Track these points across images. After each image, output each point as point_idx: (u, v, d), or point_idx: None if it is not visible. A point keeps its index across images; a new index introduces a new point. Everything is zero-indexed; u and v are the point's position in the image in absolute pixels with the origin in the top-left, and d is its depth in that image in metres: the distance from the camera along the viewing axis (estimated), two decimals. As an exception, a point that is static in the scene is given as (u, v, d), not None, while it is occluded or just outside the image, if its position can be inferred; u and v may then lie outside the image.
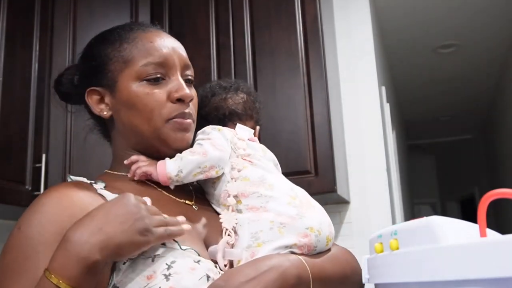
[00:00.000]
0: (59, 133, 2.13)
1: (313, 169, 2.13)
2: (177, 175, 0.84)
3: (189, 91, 0.87)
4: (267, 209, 0.82)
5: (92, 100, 0.88)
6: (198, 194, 0.93)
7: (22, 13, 2.06)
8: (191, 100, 0.88)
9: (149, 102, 0.84)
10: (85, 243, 0.65)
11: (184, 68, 0.90)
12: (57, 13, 2.24)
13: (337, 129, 2.35)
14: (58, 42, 2.21)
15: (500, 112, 5.34)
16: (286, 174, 2.17)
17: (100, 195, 0.80)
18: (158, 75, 0.85)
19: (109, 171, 0.92)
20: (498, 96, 5.28)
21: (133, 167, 0.86)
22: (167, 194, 0.87)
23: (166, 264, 0.72)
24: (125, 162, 0.87)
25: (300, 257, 0.80)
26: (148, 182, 0.87)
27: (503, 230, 0.58)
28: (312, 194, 2.16)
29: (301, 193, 0.91)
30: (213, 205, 0.90)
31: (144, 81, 0.84)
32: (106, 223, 0.67)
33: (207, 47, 2.37)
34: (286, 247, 0.80)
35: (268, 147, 2.28)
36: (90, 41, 0.95)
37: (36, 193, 2.00)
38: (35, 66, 2.10)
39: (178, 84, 0.86)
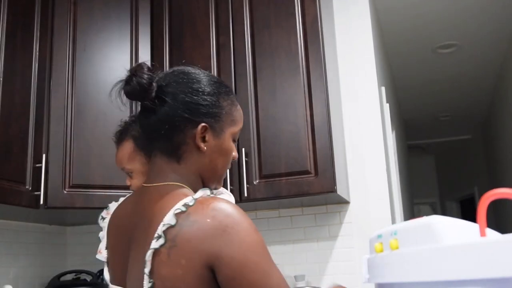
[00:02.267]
0: (59, 133, 2.13)
1: (313, 169, 2.13)
2: None
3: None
4: None
5: (200, 132, 1.05)
6: None
7: (22, 13, 2.06)
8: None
9: (230, 156, 1.11)
10: None
11: None
12: (57, 13, 2.24)
13: (337, 129, 2.35)
14: (58, 42, 2.21)
15: (500, 112, 5.34)
16: (286, 174, 2.19)
17: None
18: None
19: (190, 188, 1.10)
20: (498, 96, 5.28)
21: None
22: None
23: None
24: None
25: None
26: None
27: (503, 230, 0.58)
28: (312, 194, 2.18)
29: None
30: None
31: (234, 141, 1.12)
32: None
33: (207, 47, 2.38)
34: None
35: (268, 147, 2.30)
36: (218, 81, 1.13)
37: (36, 193, 2.00)
38: (35, 66, 2.10)
39: (235, 149, 1.13)
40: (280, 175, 2.17)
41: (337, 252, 2.45)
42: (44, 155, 2.06)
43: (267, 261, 0.88)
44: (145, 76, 1.01)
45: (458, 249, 0.50)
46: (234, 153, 1.13)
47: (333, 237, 2.47)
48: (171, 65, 2.40)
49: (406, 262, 0.59)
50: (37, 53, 2.12)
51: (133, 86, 1.00)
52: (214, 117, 1.06)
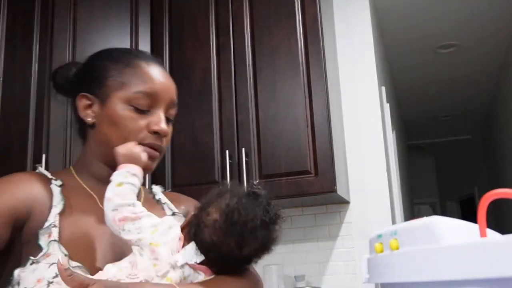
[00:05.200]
0: (59, 133, 2.13)
1: (313, 169, 2.13)
2: None
3: (167, 128, 0.97)
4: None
5: (81, 103, 0.98)
6: None
7: (22, 13, 2.07)
8: (166, 136, 0.97)
9: (130, 125, 0.93)
10: None
11: (169, 106, 0.99)
12: (57, 13, 2.24)
13: (337, 129, 2.35)
14: (58, 42, 2.21)
15: (500, 112, 5.34)
16: (286, 174, 2.19)
17: (50, 190, 0.93)
18: (145, 107, 0.95)
19: (73, 171, 1.01)
20: (498, 96, 5.28)
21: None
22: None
23: (55, 272, 0.78)
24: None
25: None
26: (93, 195, 0.97)
27: (503, 230, 0.58)
28: (312, 194, 2.18)
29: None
30: None
31: (132, 107, 0.94)
32: None
33: (207, 47, 2.37)
34: None
35: (268, 147, 2.30)
36: (95, 53, 1.06)
37: (36, 193, 2.00)
38: (35, 66, 2.11)
39: (159, 119, 0.95)
40: (280, 175, 2.17)
41: (337, 252, 2.45)
42: (44, 155, 2.06)
43: None
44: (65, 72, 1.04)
45: (458, 249, 0.50)
46: (140, 119, 0.93)
47: (333, 237, 2.47)
48: (171, 65, 2.40)
49: (406, 262, 0.59)
50: (37, 53, 2.12)
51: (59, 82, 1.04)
52: (94, 84, 0.97)
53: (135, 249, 0.85)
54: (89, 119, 0.97)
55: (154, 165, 0.97)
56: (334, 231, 2.47)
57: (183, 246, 0.85)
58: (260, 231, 0.82)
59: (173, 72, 2.40)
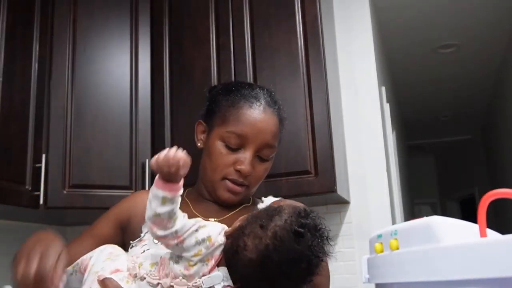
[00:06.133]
0: (59, 133, 2.13)
1: (313, 169, 2.13)
2: None
3: (250, 168, 1.03)
4: None
5: (198, 128, 1.14)
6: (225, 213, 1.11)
7: (22, 13, 2.06)
8: (247, 175, 1.05)
9: (219, 159, 1.04)
10: None
11: (261, 147, 1.06)
12: (57, 13, 2.24)
13: (337, 129, 2.34)
14: (58, 42, 2.21)
15: (500, 112, 5.34)
16: (286, 174, 2.18)
17: None
18: (235, 146, 1.04)
19: (191, 189, 1.15)
20: (498, 96, 5.28)
21: None
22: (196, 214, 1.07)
23: (144, 249, 0.97)
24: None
25: None
26: (188, 201, 1.11)
27: (503, 230, 0.58)
28: (312, 194, 2.17)
29: None
30: None
31: (224, 143, 1.05)
32: None
33: (207, 47, 2.37)
34: None
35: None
36: (221, 87, 1.19)
37: (36, 193, 2.00)
38: (35, 66, 2.10)
39: (245, 159, 1.04)
40: (280, 175, 2.16)
41: (337, 252, 2.44)
42: (44, 155, 2.06)
43: None
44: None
45: (458, 249, 0.50)
46: (229, 156, 1.02)
47: (333, 237, 2.46)
48: (170, 65, 2.40)
49: (406, 262, 0.59)
50: (37, 53, 2.12)
51: None
52: (209, 114, 1.11)
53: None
54: (199, 144, 1.12)
55: (238, 197, 1.07)
56: (334, 231, 2.47)
57: (220, 263, 0.84)
58: (295, 273, 0.80)
59: (173, 72, 2.40)
